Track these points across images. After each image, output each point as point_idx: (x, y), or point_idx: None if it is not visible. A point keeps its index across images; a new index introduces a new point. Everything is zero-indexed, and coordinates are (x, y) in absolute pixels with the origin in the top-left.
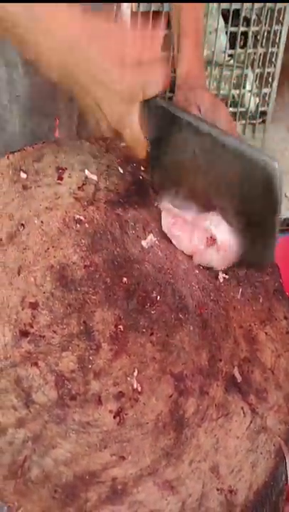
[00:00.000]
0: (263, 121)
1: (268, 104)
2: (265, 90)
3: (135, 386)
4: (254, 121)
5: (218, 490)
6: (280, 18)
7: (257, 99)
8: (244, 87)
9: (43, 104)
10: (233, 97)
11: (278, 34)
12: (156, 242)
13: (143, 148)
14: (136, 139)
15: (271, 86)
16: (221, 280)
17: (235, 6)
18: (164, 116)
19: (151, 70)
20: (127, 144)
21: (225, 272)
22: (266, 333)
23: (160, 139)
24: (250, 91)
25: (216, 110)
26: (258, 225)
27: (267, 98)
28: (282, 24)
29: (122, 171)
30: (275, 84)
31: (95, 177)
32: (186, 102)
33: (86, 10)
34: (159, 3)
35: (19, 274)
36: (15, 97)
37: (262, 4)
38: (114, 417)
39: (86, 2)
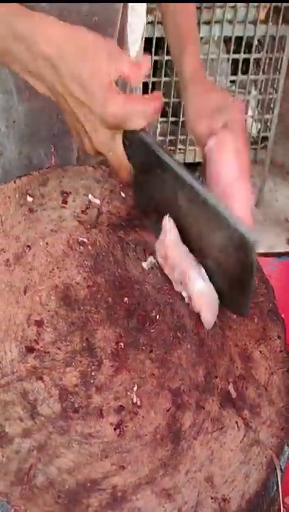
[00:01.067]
0: (265, 147)
1: (269, 130)
2: (266, 116)
3: (135, 400)
4: (256, 147)
5: (212, 498)
6: (282, 45)
7: (259, 125)
8: (246, 113)
9: (38, 131)
10: None
11: (280, 61)
12: (156, 263)
13: (126, 172)
14: (119, 163)
15: (273, 112)
16: None
17: (237, 33)
18: (147, 152)
19: (137, 103)
20: (111, 166)
21: None
22: (260, 352)
23: (143, 171)
24: (252, 116)
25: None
26: (233, 280)
27: (269, 124)
28: (283, 51)
29: (124, 196)
30: (277, 109)
31: (98, 201)
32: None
33: (77, 27)
34: None
35: (25, 293)
36: (11, 123)
37: (264, 31)
38: (115, 429)
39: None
